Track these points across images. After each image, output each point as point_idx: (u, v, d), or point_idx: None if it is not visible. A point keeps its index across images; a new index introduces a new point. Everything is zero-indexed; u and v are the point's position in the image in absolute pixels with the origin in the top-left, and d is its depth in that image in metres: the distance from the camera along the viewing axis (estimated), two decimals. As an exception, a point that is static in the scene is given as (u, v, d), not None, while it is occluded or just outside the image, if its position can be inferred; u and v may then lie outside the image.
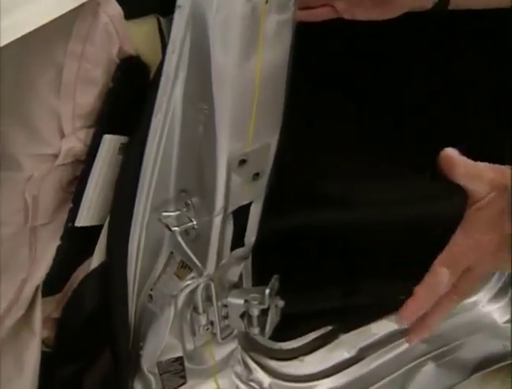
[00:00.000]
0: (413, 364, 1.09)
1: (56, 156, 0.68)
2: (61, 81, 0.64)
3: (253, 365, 0.98)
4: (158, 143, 0.68)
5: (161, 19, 0.68)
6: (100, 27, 0.62)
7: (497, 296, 1.23)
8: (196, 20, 0.60)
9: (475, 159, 0.57)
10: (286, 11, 0.63)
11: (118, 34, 0.64)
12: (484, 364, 1.15)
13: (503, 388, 1.50)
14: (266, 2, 0.60)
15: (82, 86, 0.65)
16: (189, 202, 0.72)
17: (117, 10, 0.63)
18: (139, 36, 0.67)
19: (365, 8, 0.74)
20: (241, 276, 0.89)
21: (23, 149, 0.67)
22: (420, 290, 0.59)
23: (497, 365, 1.15)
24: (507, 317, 1.21)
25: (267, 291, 0.81)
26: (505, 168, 0.55)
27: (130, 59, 0.66)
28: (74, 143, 0.68)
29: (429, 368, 1.10)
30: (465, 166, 0.56)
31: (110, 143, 0.69)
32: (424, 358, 1.11)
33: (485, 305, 1.22)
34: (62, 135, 0.67)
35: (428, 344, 1.12)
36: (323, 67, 1.01)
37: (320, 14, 0.76)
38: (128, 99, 0.69)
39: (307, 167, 1.00)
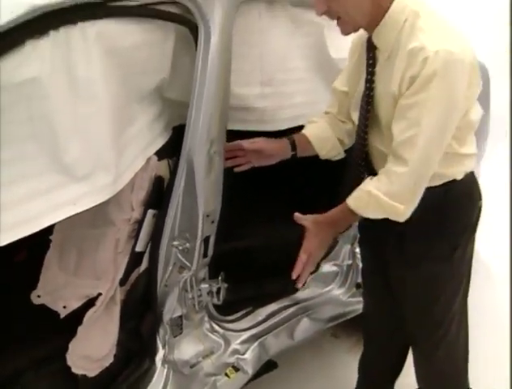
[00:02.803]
0: (296, 318, 2.08)
1: (129, 220, 1.60)
2: (134, 187, 1.57)
3: (213, 324, 1.89)
4: (172, 214, 1.62)
5: (169, 160, 1.65)
6: (150, 166, 1.57)
7: (341, 285, 2.25)
8: (188, 164, 1.56)
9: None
10: (220, 158, 1.62)
11: (155, 168, 1.59)
12: (333, 319, 2.15)
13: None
14: (211, 148, 1.59)
15: (139, 190, 1.59)
16: (186, 235, 1.65)
17: (155, 158, 1.58)
18: (161, 167, 1.63)
19: (263, 160, 1.70)
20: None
21: (117, 216, 1.59)
22: (299, 263, 1.45)
23: (340, 320, 2.15)
24: (347, 296, 2.22)
25: (220, 278, 1.76)
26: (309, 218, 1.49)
27: (158, 177, 1.61)
28: (136, 214, 1.61)
29: (305, 320, 2.10)
30: (299, 218, 1.51)
31: (150, 213, 1.63)
32: (301, 316, 2.09)
33: (335, 290, 2.23)
34: (133, 210, 1.60)
35: (304, 309, 2.11)
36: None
37: (245, 167, 1.72)
38: (156, 194, 1.62)
39: (232, 220, 1.95)
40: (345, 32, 1.43)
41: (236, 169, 1.72)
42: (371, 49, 1.45)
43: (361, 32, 1.47)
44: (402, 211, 1.39)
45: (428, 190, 1.42)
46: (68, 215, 1.29)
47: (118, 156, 1.41)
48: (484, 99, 2.87)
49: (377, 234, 1.62)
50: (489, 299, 2.87)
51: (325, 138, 1.72)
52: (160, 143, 1.61)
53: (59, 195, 1.27)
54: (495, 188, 3.94)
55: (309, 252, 1.47)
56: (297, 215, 1.52)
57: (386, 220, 1.43)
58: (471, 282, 1.71)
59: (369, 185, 1.42)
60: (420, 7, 1.35)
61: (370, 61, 1.45)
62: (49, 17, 1.15)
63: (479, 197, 1.59)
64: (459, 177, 1.50)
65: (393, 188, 1.38)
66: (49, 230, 1.72)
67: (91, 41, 1.26)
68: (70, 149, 1.27)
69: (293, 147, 1.71)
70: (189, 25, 1.52)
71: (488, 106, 2.96)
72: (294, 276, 1.47)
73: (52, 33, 1.18)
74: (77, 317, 1.57)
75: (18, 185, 1.21)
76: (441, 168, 1.43)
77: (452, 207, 1.53)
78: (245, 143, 1.68)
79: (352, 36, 1.55)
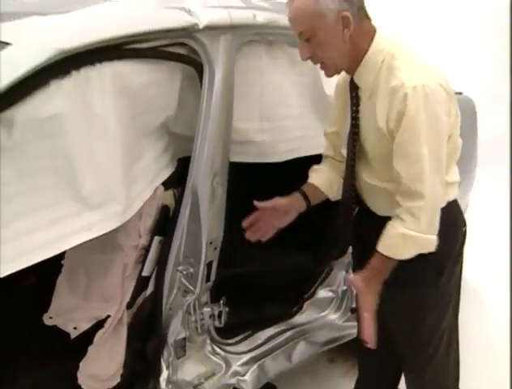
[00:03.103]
0: (293, 342, 2.16)
1: (137, 246, 1.70)
2: (141, 215, 1.67)
3: (214, 346, 1.98)
4: (177, 241, 1.71)
5: (175, 190, 1.76)
6: (157, 195, 1.68)
7: (337, 310, 2.34)
8: (193, 194, 1.67)
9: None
10: (223, 189, 1.73)
11: (162, 197, 1.70)
12: (329, 343, 2.23)
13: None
14: (214, 179, 1.70)
15: (147, 217, 1.69)
16: (190, 261, 1.75)
17: (162, 188, 1.69)
18: (167, 197, 1.73)
19: (282, 217, 1.76)
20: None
21: (125, 243, 1.69)
22: (365, 324, 1.56)
23: (336, 344, 2.23)
24: (342, 320, 2.31)
25: (222, 302, 1.85)
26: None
27: (164, 206, 1.72)
28: (144, 241, 1.71)
29: (302, 344, 2.18)
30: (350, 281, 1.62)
31: (156, 240, 1.73)
32: (298, 339, 2.18)
33: (331, 315, 2.32)
34: (140, 236, 1.70)
35: (301, 332, 2.19)
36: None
37: (270, 233, 1.78)
38: (162, 222, 1.73)
39: (234, 248, 2.06)
40: (328, 75, 1.59)
41: (263, 239, 1.78)
42: (354, 88, 1.58)
43: (344, 73, 1.61)
44: (434, 240, 1.49)
45: None
46: (84, 241, 1.40)
47: (128, 187, 1.52)
48: (471, 131, 3.02)
49: (368, 259, 1.72)
50: (479, 322, 2.97)
51: (330, 181, 1.81)
52: (166, 174, 1.72)
53: (75, 222, 1.38)
54: (484, 214, 4.10)
55: (368, 309, 1.56)
56: (349, 278, 1.63)
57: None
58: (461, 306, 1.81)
59: (397, 229, 1.49)
60: (396, 49, 1.50)
61: (354, 101, 1.59)
62: (72, 59, 1.28)
63: (463, 224, 1.71)
64: (442, 205, 1.59)
65: (421, 223, 1.46)
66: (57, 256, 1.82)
67: (108, 81, 1.38)
68: (86, 180, 1.38)
69: (305, 197, 1.79)
70: (195, 65, 1.65)
71: (476, 138, 3.09)
72: (366, 338, 1.56)
73: (74, 73, 1.30)
74: (86, 338, 1.66)
75: (39, 213, 1.31)
76: None
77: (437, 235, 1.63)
78: (260, 204, 1.72)
79: (337, 79, 1.70)
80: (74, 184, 1.36)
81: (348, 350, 2.53)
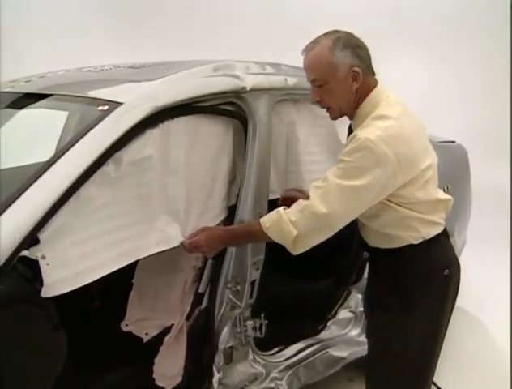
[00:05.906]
0: (320, 354, 2.50)
1: (194, 267, 2.07)
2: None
3: (256, 356, 2.31)
4: (226, 263, 2.08)
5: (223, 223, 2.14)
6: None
7: (356, 328, 2.69)
8: (240, 223, 2.06)
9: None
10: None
11: None
12: (350, 356, 2.58)
13: None
14: (257, 210, 2.09)
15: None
16: (237, 279, 2.11)
17: (215, 220, 2.08)
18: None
19: None
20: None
21: (186, 264, 2.06)
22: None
23: (356, 357, 2.57)
24: (361, 336, 2.65)
25: (262, 315, 2.20)
26: None
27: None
28: (200, 263, 2.07)
29: (327, 356, 2.52)
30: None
31: (209, 263, 2.09)
32: (324, 352, 2.52)
33: (351, 332, 2.67)
34: (197, 259, 2.07)
35: (326, 346, 2.53)
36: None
37: None
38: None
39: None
40: (332, 118, 1.85)
41: None
42: (350, 131, 1.87)
43: None
44: (293, 237, 1.68)
45: (387, 250, 1.82)
46: (152, 253, 1.76)
47: (187, 216, 1.90)
48: (465, 175, 3.44)
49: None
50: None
51: None
52: (224, 214, 2.09)
53: (147, 239, 1.74)
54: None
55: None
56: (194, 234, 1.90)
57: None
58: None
59: (280, 210, 1.75)
60: (382, 104, 1.73)
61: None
62: (160, 114, 1.69)
63: (443, 265, 1.81)
64: (416, 241, 1.77)
65: (297, 217, 1.69)
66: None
67: (181, 131, 1.79)
68: (158, 207, 1.76)
69: None
70: (241, 119, 2.06)
71: (469, 181, 3.51)
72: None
73: (160, 125, 1.71)
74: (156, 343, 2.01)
75: (123, 230, 1.68)
76: (395, 230, 1.78)
77: (407, 270, 1.80)
78: (288, 195, 2.09)
79: None
80: (150, 209, 1.74)
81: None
